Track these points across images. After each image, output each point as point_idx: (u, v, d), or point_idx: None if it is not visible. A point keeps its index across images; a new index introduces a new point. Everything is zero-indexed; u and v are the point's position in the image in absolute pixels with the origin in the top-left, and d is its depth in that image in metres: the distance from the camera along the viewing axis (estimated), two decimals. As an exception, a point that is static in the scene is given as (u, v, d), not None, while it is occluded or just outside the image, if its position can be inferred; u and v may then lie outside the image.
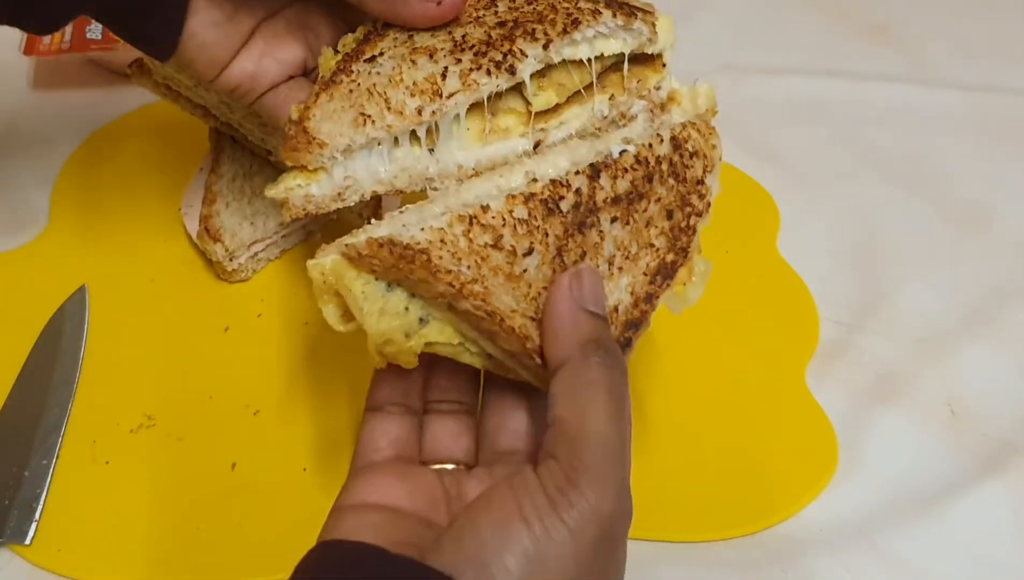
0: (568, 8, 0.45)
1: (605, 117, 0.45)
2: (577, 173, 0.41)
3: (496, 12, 0.46)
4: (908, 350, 0.62)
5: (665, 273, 0.42)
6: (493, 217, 0.39)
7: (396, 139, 0.44)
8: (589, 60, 0.45)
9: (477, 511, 0.35)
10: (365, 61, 0.44)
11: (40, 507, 0.51)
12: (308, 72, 0.50)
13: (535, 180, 0.41)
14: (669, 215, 0.42)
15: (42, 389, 0.56)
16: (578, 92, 0.46)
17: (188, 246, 0.65)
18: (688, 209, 0.43)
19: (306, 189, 0.44)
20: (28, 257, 0.65)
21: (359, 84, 0.44)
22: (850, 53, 0.85)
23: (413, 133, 0.44)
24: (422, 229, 0.39)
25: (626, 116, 0.45)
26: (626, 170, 0.42)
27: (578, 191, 0.41)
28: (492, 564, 0.33)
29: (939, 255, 0.68)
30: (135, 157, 0.71)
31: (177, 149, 0.71)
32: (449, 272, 0.38)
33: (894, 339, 0.62)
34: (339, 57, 0.45)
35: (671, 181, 0.43)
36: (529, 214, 0.40)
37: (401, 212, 0.40)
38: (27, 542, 0.50)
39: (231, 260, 0.62)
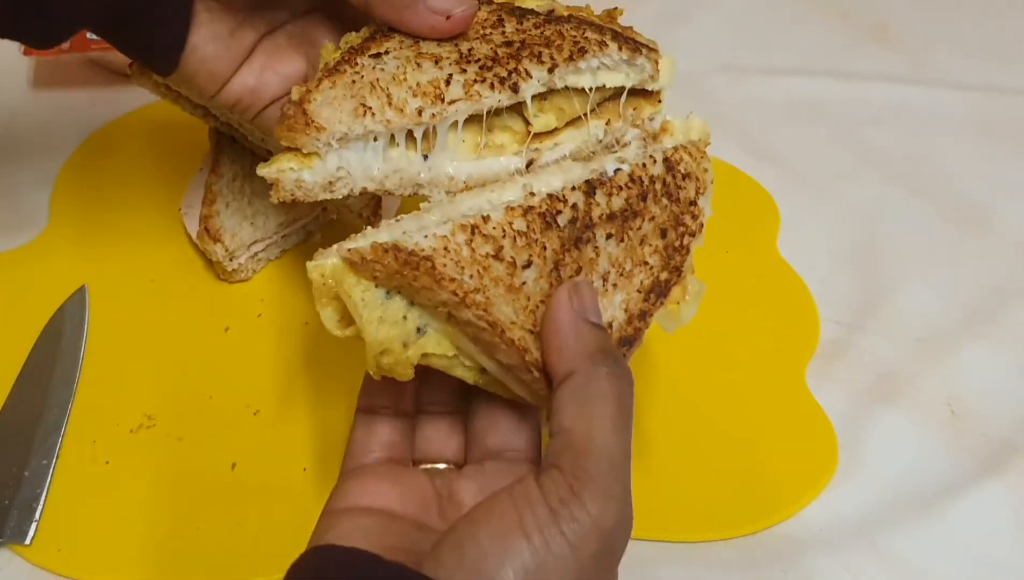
0: (575, 36, 0.46)
1: (600, 141, 0.46)
2: (573, 189, 0.41)
3: (503, 32, 0.46)
4: (908, 350, 0.62)
5: (659, 291, 0.42)
6: (494, 228, 0.39)
7: (392, 138, 0.44)
8: (591, 90, 0.46)
9: (477, 521, 0.35)
10: (370, 56, 0.44)
11: (40, 507, 0.51)
12: None
13: (532, 193, 0.41)
14: (663, 234, 0.43)
15: (42, 389, 0.56)
16: (577, 117, 0.46)
17: (188, 246, 0.65)
18: (682, 229, 0.43)
19: (298, 174, 0.44)
20: (28, 257, 0.65)
21: (362, 76, 0.44)
22: (850, 53, 0.85)
23: (409, 136, 0.44)
24: (426, 236, 0.38)
25: (620, 142, 0.46)
26: (621, 188, 0.42)
27: (575, 206, 0.41)
28: (491, 576, 0.33)
29: (939, 255, 0.68)
30: (135, 157, 0.71)
31: (177, 149, 0.71)
32: (453, 280, 0.37)
33: (894, 339, 0.62)
34: (343, 51, 0.45)
35: (665, 201, 0.43)
36: (528, 227, 0.40)
37: (398, 220, 0.40)
38: (27, 542, 0.50)
39: (231, 260, 0.62)
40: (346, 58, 0.44)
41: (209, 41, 0.47)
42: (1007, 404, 0.59)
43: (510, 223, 0.40)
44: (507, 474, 0.40)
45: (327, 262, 0.39)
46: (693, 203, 0.44)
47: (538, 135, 0.46)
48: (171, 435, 0.55)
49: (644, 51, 0.46)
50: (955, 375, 0.60)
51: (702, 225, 0.44)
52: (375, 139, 0.44)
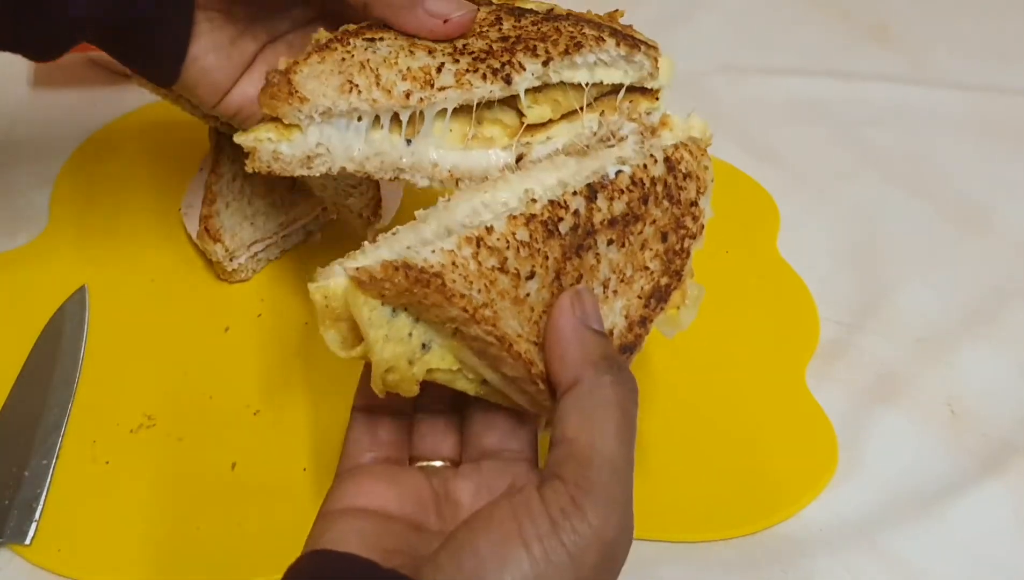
0: (572, 32, 0.45)
1: (594, 134, 0.45)
2: (575, 194, 0.41)
3: (500, 29, 0.46)
4: (908, 350, 0.62)
5: (659, 296, 0.42)
6: (498, 239, 0.39)
7: (377, 120, 0.43)
8: (587, 85, 0.45)
9: (476, 529, 0.35)
10: (364, 39, 0.44)
11: (40, 507, 0.51)
12: None
13: (534, 200, 0.40)
14: (664, 237, 0.42)
15: (42, 389, 0.56)
16: (572, 111, 0.46)
17: (188, 246, 0.65)
18: (682, 232, 0.43)
19: (276, 145, 0.43)
20: (28, 257, 0.65)
21: (353, 56, 0.43)
22: (850, 53, 0.85)
23: (395, 120, 0.43)
24: (433, 251, 0.38)
25: (615, 135, 0.45)
26: (622, 191, 0.42)
27: (576, 213, 0.40)
28: None
29: (939, 255, 0.68)
30: (135, 157, 0.71)
31: (177, 149, 0.71)
32: (463, 296, 0.37)
33: (894, 339, 0.62)
34: (336, 33, 0.45)
35: (666, 203, 0.43)
36: (531, 236, 0.39)
37: (395, 232, 0.39)
38: (27, 542, 0.50)
39: (231, 260, 0.62)
40: (339, 38, 0.44)
41: (210, 51, 0.47)
42: (1007, 404, 0.59)
43: (513, 233, 0.39)
44: (504, 474, 0.40)
45: (332, 283, 0.37)
46: (694, 204, 0.44)
47: (530, 128, 0.45)
48: (171, 435, 0.55)
49: (643, 48, 0.46)
50: (955, 375, 0.60)
51: (703, 226, 0.44)
52: (359, 119, 0.43)
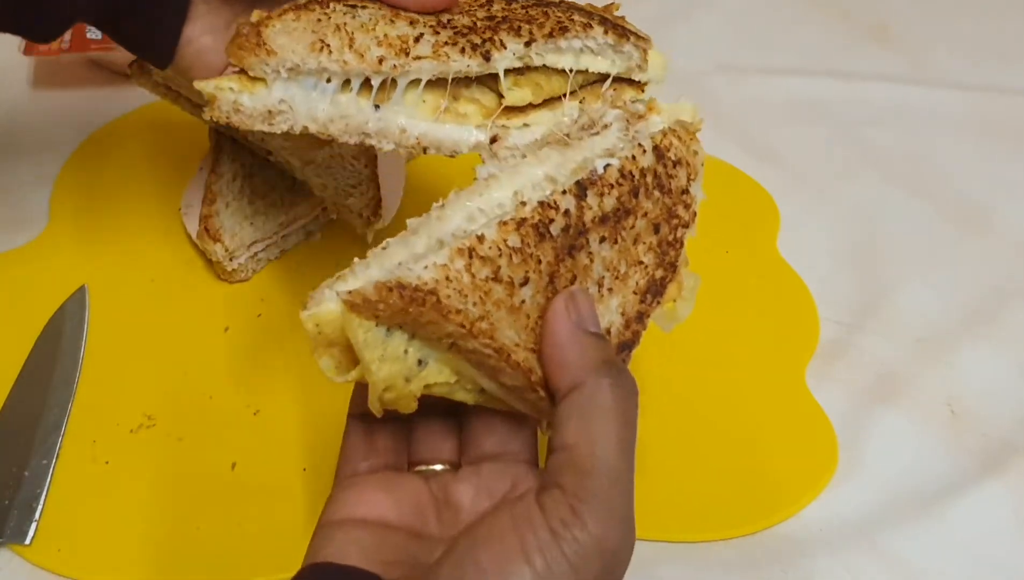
0: (560, 17, 0.44)
1: (575, 121, 0.44)
2: (564, 193, 0.40)
3: (489, 10, 0.45)
4: (908, 350, 0.62)
5: (655, 290, 0.41)
6: (490, 247, 0.38)
7: (348, 83, 0.42)
8: (572, 72, 0.44)
9: (478, 542, 0.34)
10: (346, 5, 0.43)
11: (40, 507, 0.51)
12: None
13: (523, 203, 0.39)
14: (656, 229, 0.42)
15: (42, 389, 0.56)
16: (554, 98, 0.44)
17: (188, 246, 0.65)
18: (675, 221, 0.42)
19: (237, 96, 0.42)
20: (28, 257, 0.65)
21: (330, 19, 0.42)
22: (850, 53, 0.85)
23: (366, 86, 0.42)
24: (425, 266, 0.37)
25: (596, 124, 0.44)
26: (612, 186, 0.41)
27: (567, 212, 0.39)
28: None
29: (939, 255, 0.68)
30: (135, 157, 0.71)
31: (177, 149, 0.71)
32: (459, 312, 0.36)
33: (894, 339, 0.62)
34: None
35: (656, 193, 0.42)
36: (522, 242, 0.38)
37: (384, 247, 0.38)
38: (27, 542, 0.50)
39: (231, 260, 0.62)
40: (320, 0, 0.43)
41: (205, 33, 0.47)
42: (1007, 404, 0.59)
43: (505, 240, 0.38)
44: (504, 475, 0.39)
45: (324, 309, 0.36)
46: (685, 191, 0.42)
47: (508, 111, 0.44)
48: (171, 435, 0.55)
49: (632, 39, 0.44)
50: (955, 375, 0.60)
51: (695, 214, 0.43)
52: (328, 80, 0.42)
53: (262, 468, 0.54)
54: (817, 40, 0.87)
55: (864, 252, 0.68)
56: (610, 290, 0.40)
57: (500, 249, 0.38)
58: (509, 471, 0.40)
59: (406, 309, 0.35)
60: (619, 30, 0.45)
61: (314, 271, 0.64)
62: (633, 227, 0.41)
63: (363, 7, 0.44)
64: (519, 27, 0.43)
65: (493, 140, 0.44)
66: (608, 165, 0.41)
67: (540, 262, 0.39)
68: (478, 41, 0.42)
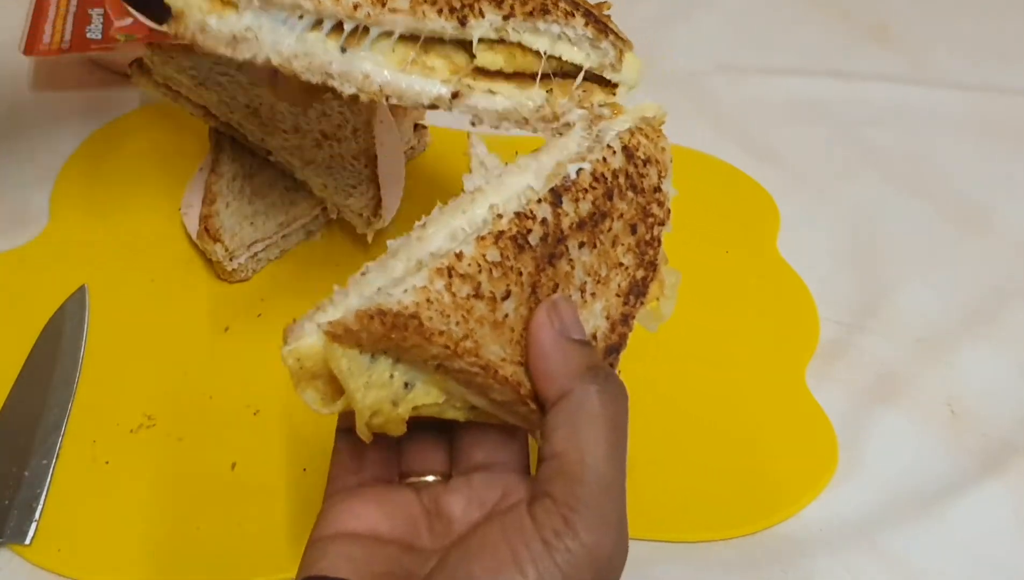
0: (545, 1, 0.44)
1: (537, 109, 0.44)
2: (540, 201, 0.40)
3: None
4: (908, 350, 0.62)
5: (637, 291, 0.41)
6: (469, 264, 0.38)
7: (320, 24, 0.42)
8: (545, 54, 0.44)
9: (470, 554, 0.34)
10: None
11: (40, 507, 0.51)
12: None
13: (500, 215, 0.39)
14: (633, 229, 0.42)
15: (42, 389, 0.56)
16: (523, 76, 0.44)
17: (188, 246, 0.65)
18: (650, 220, 0.42)
19: (206, 15, 0.42)
20: (28, 257, 0.65)
21: None
22: (850, 53, 0.85)
23: (337, 30, 0.42)
24: (405, 291, 0.36)
25: (559, 117, 0.44)
26: (586, 190, 0.41)
27: (544, 221, 0.39)
28: None
29: (939, 255, 0.68)
30: (135, 157, 0.71)
31: (177, 149, 0.71)
32: (442, 333, 0.36)
33: (894, 339, 0.62)
34: None
35: (630, 194, 0.42)
36: (501, 255, 0.38)
37: (364, 273, 0.38)
38: (27, 542, 0.50)
39: (231, 260, 0.62)
40: None
41: None
42: (1007, 404, 0.59)
43: (483, 255, 0.38)
44: (495, 485, 0.39)
45: (304, 344, 0.36)
46: (658, 189, 0.43)
47: (478, 72, 0.44)
48: (171, 435, 0.55)
49: (611, 36, 0.45)
50: (955, 375, 0.60)
51: (669, 211, 0.43)
52: (300, 17, 0.42)
53: (262, 468, 0.54)
54: (817, 40, 0.87)
55: (864, 252, 0.68)
56: (593, 295, 0.40)
57: (480, 265, 0.38)
58: (500, 481, 0.39)
59: (388, 335, 0.35)
60: (600, 26, 0.45)
61: (314, 271, 0.64)
62: (610, 229, 0.41)
63: None
64: (501, 1, 0.43)
65: (455, 96, 0.44)
66: (580, 169, 0.41)
67: (521, 274, 0.39)
68: (457, 5, 0.43)
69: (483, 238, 0.38)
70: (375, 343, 0.36)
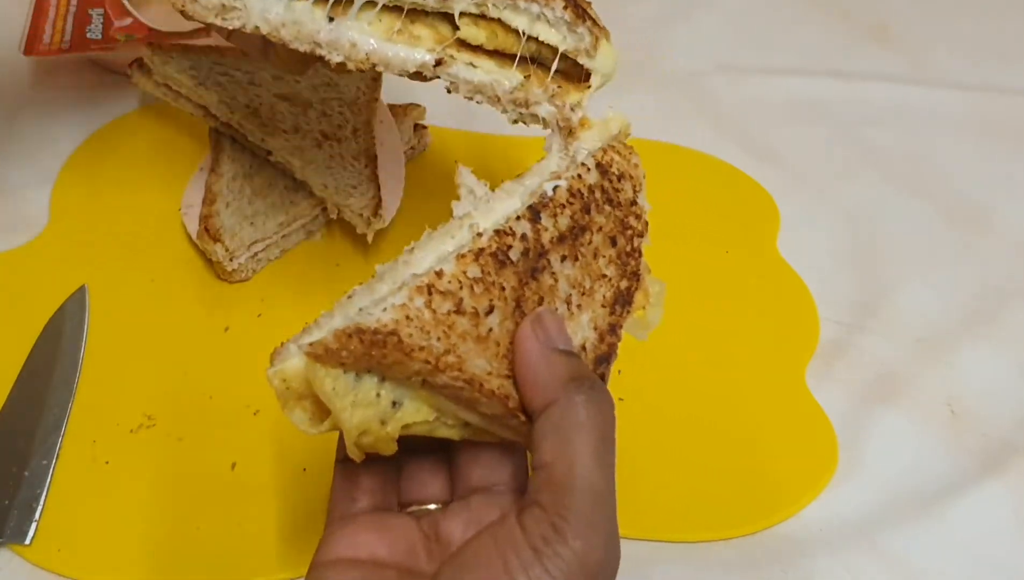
0: None
1: (510, 91, 0.45)
2: (518, 218, 0.40)
3: None
4: (908, 350, 0.62)
5: (622, 301, 0.42)
6: (449, 282, 0.38)
7: None
8: (524, 34, 0.45)
9: (463, 567, 0.35)
10: None
11: (40, 507, 0.51)
12: None
13: (480, 234, 0.40)
14: (613, 242, 0.43)
15: (42, 389, 0.57)
16: (503, 56, 0.45)
17: (188, 246, 0.65)
18: (629, 232, 0.43)
19: None
20: (28, 257, 0.65)
21: None
22: (850, 53, 0.85)
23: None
24: (384, 309, 0.37)
25: (529, 105, 0.45)
26: (563, 205, 0.42)
27: (524, 237, 0.40)
28: None
29: (939, 255, 0.68)
30: (135, 157, 0.71)
31: (177, 149, 0.71)
32: (422, 349, 0.36)
33: (894, 339, 0.62)
34: None
35: (607, 208, 0.43)
36: (482, 271, 0.39)
37: (350, 296, 0.38)
38: (27, 542, 0.50)
39: (231, 260, 0.62)
40: None
41: None
42: (1007, 404, 0.59)
43: (464, 272, 0.39)
44: (493, 507, 0.39)
45: (288, 365, 0.37)
46: (633, 202, 0.44)
47: (461, 45, 0.45)
48: (171, 435, 0.55)
49: (588, 23, 0.45)
50: (955, 375, 0.60)
51: (647, 223, 0.44)
52: None
53: (262, 468, 0.54)
54: (817, 40, 0.87)
55: (864, 252, 0.68)
56: (579, 306, 0.41)
57: (460, 281, 0.38)
58: (498, 502, 0.40)
59: (369, 353, 0.36)
60: (579, 11, 0.45)
61: (314, 271, 0.64)
62: (591, 242, 0.42)
63: None
64: None
65: (438, 63, 0.45)
66: (556, 186, 0.42)
67: (504, 289, 0.39)
68: None
69: (463, 256, 0.39)
70: (357, 362, 0.36)
